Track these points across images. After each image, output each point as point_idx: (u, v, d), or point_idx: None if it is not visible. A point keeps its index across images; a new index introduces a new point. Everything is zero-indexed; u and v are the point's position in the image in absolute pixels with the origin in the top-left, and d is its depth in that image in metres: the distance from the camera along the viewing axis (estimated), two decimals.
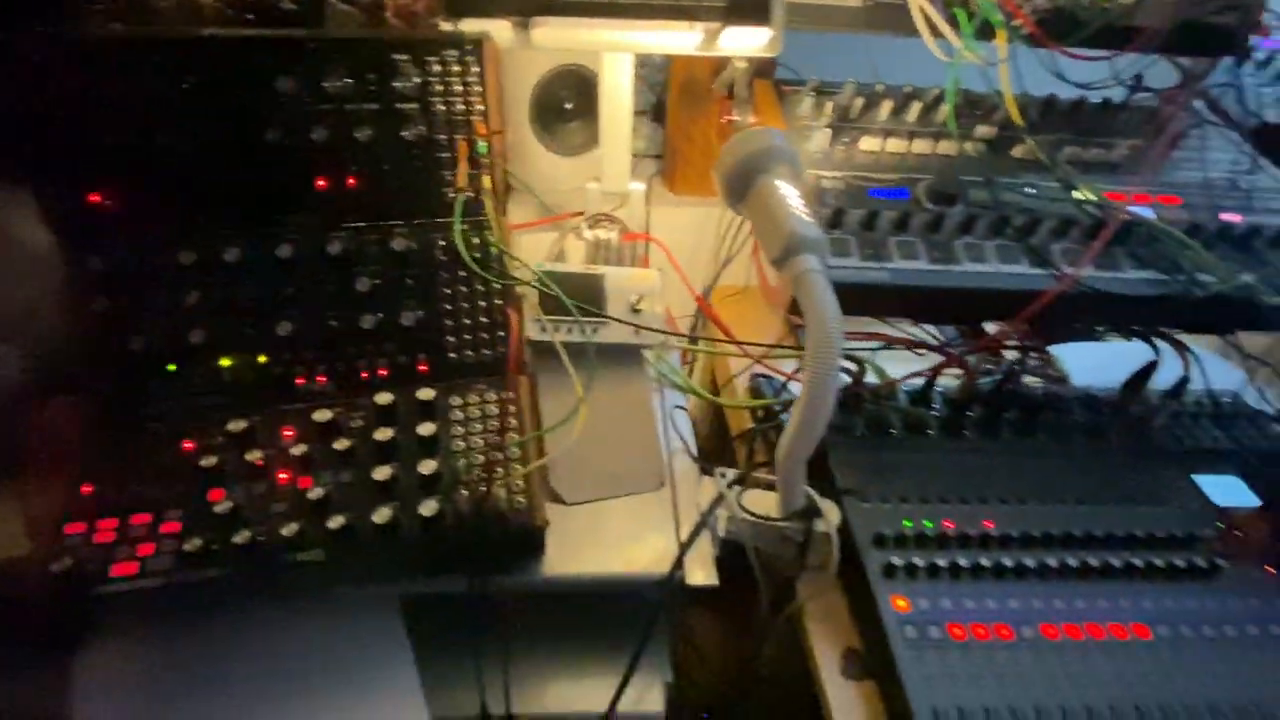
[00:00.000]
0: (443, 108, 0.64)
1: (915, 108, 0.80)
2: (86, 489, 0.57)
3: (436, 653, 0.66)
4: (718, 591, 0.68)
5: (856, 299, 0.66)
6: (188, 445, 0.60)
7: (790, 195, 0.60)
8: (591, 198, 0.90)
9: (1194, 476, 0.77)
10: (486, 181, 0.67)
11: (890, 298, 0.67)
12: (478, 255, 0.68)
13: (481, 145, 0.65)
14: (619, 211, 0.90)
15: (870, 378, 0.77)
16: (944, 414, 0.79)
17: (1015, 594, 0.64)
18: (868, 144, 0.77)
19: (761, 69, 0.89)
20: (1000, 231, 0.69)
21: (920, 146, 0.77)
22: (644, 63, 1.00)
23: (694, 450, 0.79)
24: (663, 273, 0.82)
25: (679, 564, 0.66)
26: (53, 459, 0.58)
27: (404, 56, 0.61)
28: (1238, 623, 0.63)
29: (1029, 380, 0.84)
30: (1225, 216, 0.73)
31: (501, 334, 0.71)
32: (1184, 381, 0.78)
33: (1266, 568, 0.68)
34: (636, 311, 0.78)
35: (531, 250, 0.87)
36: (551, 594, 0.68)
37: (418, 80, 0.62)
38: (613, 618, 0.69)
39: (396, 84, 0.61)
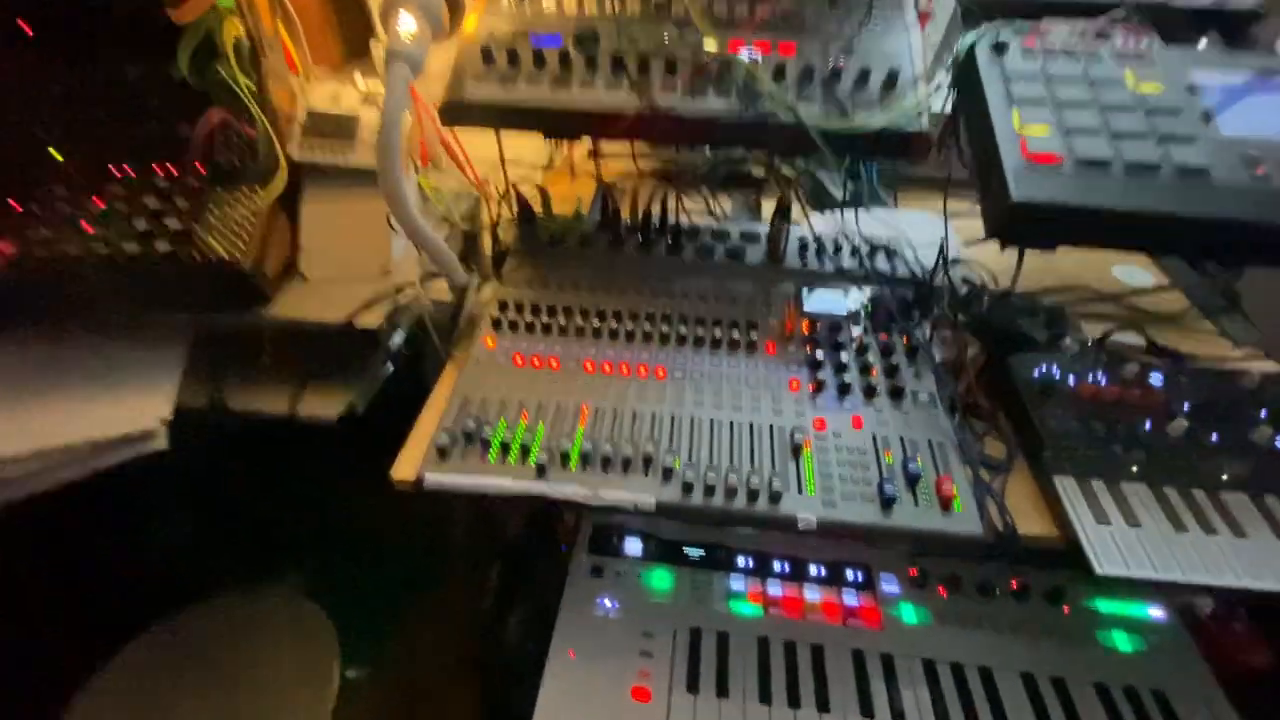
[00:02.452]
0: None
1: None
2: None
3: (197, 363, 0.95)
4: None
5: (487, 116, 0.87)
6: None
7: (407, 26, 0.80)
8: (377, 59, 1.12)
9: (804, 288, 0.93)
10: None
11: (514, 117, 0.86)
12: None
13: None
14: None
15: None
16: (609, 235, 0.98)
17: (576, 344, 0.84)
18: (547, 4, 0.94)
19: None
20: (619, 69, 0.86)
21: (590, 6, 0.93)
22: None
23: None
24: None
25: (353, 315, 0.90)
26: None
27: None
28: (736, 376, 0.81)
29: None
30: (834, 63, 0.86)
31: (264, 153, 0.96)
32: (786, 209, 0.92)
33: (805, 348, 0.85)
34: None
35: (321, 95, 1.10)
36: (275, 328, 0.94)
37: None
38: (321, 351, 0.95)
39: None
